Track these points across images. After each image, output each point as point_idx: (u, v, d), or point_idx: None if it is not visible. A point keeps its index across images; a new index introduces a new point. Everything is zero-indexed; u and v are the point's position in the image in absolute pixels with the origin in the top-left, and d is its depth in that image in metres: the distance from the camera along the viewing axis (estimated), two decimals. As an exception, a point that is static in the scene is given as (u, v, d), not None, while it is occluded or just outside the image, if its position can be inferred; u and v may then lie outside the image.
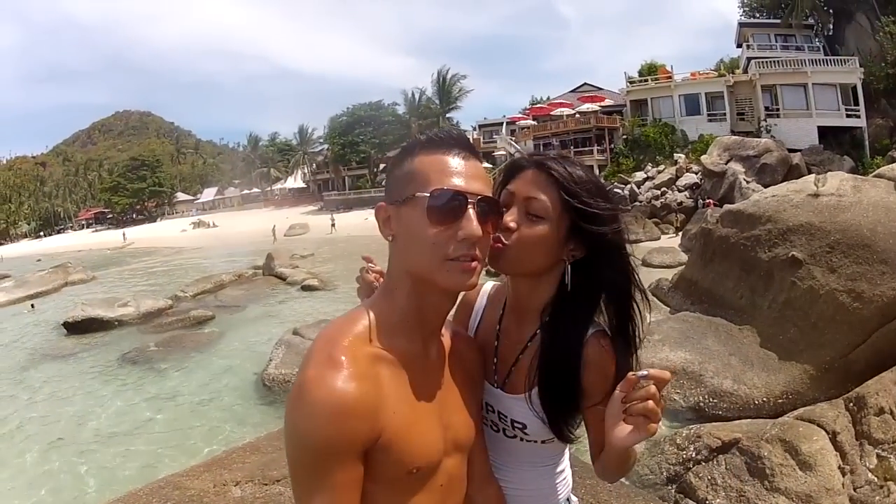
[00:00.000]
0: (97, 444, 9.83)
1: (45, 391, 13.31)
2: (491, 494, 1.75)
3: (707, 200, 31.56)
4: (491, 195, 1.44)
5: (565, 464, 1.94)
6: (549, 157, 1.69)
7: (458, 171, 1.39)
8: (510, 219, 1.62)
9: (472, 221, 1.35)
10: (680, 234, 28.29)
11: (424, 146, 1.43)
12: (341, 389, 1.25)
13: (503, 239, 1.61)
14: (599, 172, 45.42)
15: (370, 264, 2.05)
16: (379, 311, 1.45)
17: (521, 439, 1.78)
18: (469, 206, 1.35)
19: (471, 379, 1.68)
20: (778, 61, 43.08)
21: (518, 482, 1.83)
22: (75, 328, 18.49)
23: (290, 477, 1.32)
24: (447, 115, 69.35)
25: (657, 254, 22.29)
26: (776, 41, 47.07)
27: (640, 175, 41.28)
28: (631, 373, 1.39)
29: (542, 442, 1.77)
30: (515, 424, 1.75)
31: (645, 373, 1.35)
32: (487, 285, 2.01)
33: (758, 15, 51.77)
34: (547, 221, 1.62)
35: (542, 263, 1.69)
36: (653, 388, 1.35)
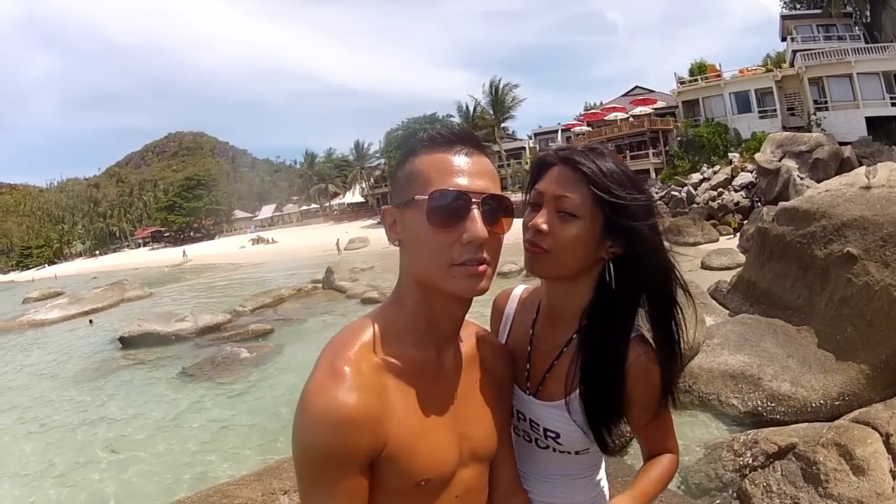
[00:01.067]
0: (151, 453, 9.99)
1: (99, 404, 13.55)
2: None
3: (758, 205, 31.13)
4: (498, 192, 1.37)
5: (601, 476, 1.88)
6: (576, 150, 1.64)
7: (461, 170, 1.34)
8: (542, 220, 1.59)
9: (476, 223, 1.30)
10: (738, 234, 27.80)
11: (426, 145, 1.39)
12: (341, 400, 1.23)
13: (539, 242, 1.58)
14: (656, 175, 45.54)
15: None
16: (388, 318, 1.43)
17: (554, 450, 1.74)
18: (473, 207, 1.30)
19: (497, 387, 1.64)
20: (822, 53, 42.47)
21: (549, 495, 1.78)
22: (131, 343, 18.75)
23: (297, 485, 1.31)
24: (502, 125, 69.22)
25: (716, 256, 21.71)
26: (818, 32, 46.41)
27: (696, 176, 40.96)
28: None
29: (576, 453, 1.73)
30: (548, 433, 1.71)
31: None
32: (518, 289, 1.98)
33: (798, 6, 51.09)
34: (581, 219, 1.57)
35: (581, 264, 1.63)
36: None
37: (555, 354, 1.72)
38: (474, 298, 1.41)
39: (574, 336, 1.70)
